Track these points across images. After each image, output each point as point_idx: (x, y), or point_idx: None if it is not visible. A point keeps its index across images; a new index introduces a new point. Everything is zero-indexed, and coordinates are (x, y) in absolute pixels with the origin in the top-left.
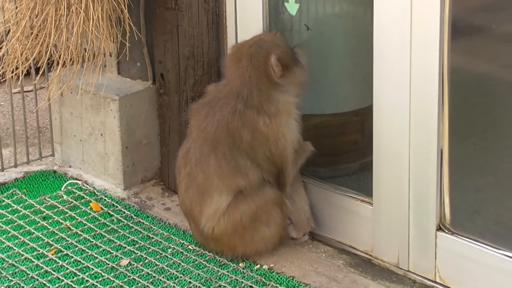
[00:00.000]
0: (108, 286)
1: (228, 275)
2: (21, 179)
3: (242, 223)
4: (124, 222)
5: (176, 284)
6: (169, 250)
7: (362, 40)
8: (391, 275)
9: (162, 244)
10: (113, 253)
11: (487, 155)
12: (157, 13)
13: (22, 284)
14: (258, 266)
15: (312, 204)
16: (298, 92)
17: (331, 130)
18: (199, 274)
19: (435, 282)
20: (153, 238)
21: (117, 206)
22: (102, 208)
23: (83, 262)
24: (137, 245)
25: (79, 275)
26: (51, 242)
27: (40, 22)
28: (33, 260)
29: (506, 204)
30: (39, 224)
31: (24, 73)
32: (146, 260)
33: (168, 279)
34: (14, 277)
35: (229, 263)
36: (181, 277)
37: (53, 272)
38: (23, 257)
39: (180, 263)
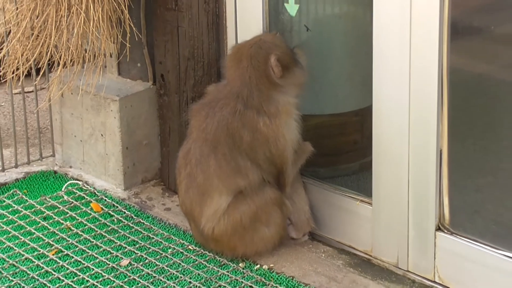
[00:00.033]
0: (108, 286)
1: (228, 275)
2: (22, 179)
3: (242, 223)
4: (124, 222)
5: (176, 284)
6: (169, 250)
7: (361, 40)
8: (391, 275)
9: (162, 244)
10: (113, 253)
11: (486, 155)
12: (157, 13)
13: (23, 284)
14: (258, 266)
15: (312, 204)
16: (298, 92)
17: (330, 130)
18: (199, 274)
19: (434, 282)
20: (153, 238)
21: (117, 207)
22: (102, 209)
23: (83, 262)
24: (137, 245)
25: (80, 275)
26: (51, 242)
27: (40, 23)
28: (33, 260)
29: (506, 204)
30: (39, 225)
31: (24, 74)
32: (146, 260)
33: (168, 279)
34: (14, 277)
35: (229, 263)
36: (181, 277)
37: (53, 272)
38: (23, 257)
39: (180, 263)
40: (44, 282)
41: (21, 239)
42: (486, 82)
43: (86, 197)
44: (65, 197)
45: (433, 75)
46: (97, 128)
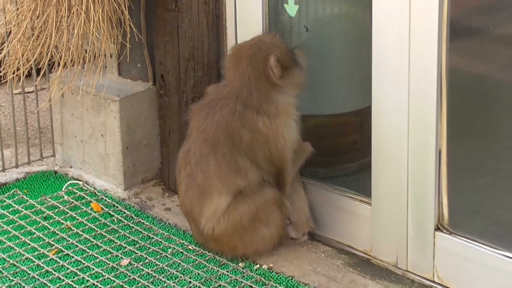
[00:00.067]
0: (108, 285)
1: (227, 275)
2: (22, 179)
3: (242, 223)
4: (124, 222)
5: (176, 283)
6: (169, 250)
7: (361, 41)
8: (390, 275)
9: (162, 244)
10: (113, 253)
11: (485, 155)
12: (157, 14)
13: (23, 284)
14: (258, 266)
15: (312, 204)
16: (297, 93)
17: (330, 130)
18: (199, 274)
19: (434, 281)
20: (153, 238)
21: (117, 207)
22: (102, 208)
23: (83, 262)
24: (137, 245)
25: (80, 275)
26: (52, 242)
27: (41, 23)
28: (34, 260)
29: (504, 204)
30: (40, 224)
31: (25, 74)
32: (146, 260)
33: (168, 279)
34: (15, 277)
35: (229, 263)
36: (181, 276)
37: (53, 272)
38: (24, 257)
39: (180, 263)
40: (45, 281)
41: (21, 239)
42: (485, 82)
43: (86, 197)
44: (66, 197)
45: (432, 75)
46: (97, 128)
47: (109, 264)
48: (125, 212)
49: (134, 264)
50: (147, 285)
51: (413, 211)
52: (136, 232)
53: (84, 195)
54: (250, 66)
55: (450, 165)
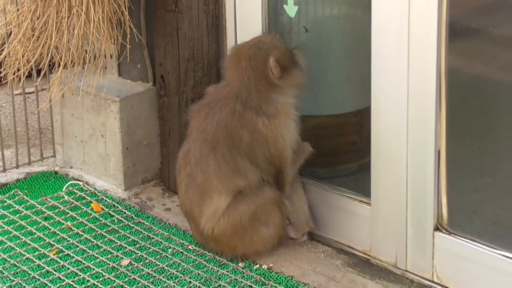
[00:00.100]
0: (109, 285)
1: (227, 275)
2: (23, 180)
3: (242, 223)
4: (124, 222)
5: (176, 283)
6: (169, 250)
7: (360, 41)
8: (389, 275)
9: (162, 244)
10: (113, 253)
11: (484, 155)
12: (157, 15)
13: (24, 284)
14: (258, 266)
15: (311, 205)
16: (296, 93)
17: (329, 131)
18: (199, 274)
19: (433, 281)
20: (153, 238)
21: (117, 207)
22: (103, 209)
23: (84, 262)
24: (137, 245)
25: (80, 275)
26: (52, 242)
27: (41, 24)
28: (34, 260)
29: (503, 204)
30: (40, 225)
31: (25, 75)
32: (147, 260)
33: (168, 279)
34: (15, 277)
35: (229, 263)
36: (181, 276)
37: (54, 272)
38: (24, 257)
39: (180, 263)
40: (45, 282)
41: (22, 239)
42: (484, 83)
43: (86, 197)
44: (66, 197)
45: (431, 76)
46: (98, 129)
47: (109, 264)
48: (125, 213)
49: (134, 264)
50: (147, 285)
51: (413, 211)
52: (136, 232)
53: (84, 195)
54: (250, 66)
55: (449, 165)
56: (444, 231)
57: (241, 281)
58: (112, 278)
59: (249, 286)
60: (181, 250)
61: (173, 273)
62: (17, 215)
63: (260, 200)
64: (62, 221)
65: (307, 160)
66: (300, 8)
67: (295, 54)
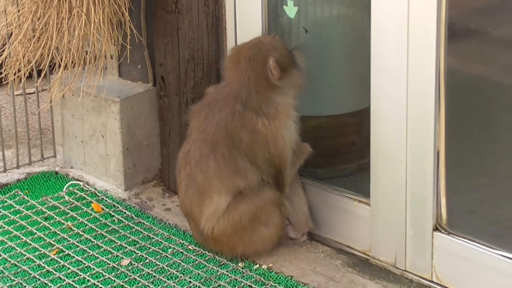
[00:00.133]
0: (109, 285)
1: (227, 275)
2: (23, 180)
3: (242, 223)
4: (125, 222)
5: (176, 283)
6: (169, 250)
7: (360, 42)
8: (389, 275)
9: (163, 244)
10: (114, 253)
11: (483, 156)
12: (157, 16)
13: (24, 284)
14: (257, 265)
15: (311, 205)
16: (296, 94)
17: (329, 131)
18: (199, 274)
19: (432, 281)
20: (153, 238)
21: (118, 207)
22: (103, 209)
23: (84, 262)
24: (137, 245)
25: (81, 275)
26: (52, 242)
27: (42, 25)
28: (35, 260)
29: (502, 204)
30: (41, 225)
31: (26, 76)
32: (147, 260)
33: (168, 279)
34: (16, 277)
35: (229, 263)
36: (181, 276)
37: (54, 272)
38: (25, 257)
39: (180, 263)
40: (45, 281)
41: (22, 239)
42: (483, 83)
43: (87, 197)
44: (66, 197)
45: (430, 76)
46: (98, 129)
47: (109, 264)
48: (125, 213)
49: (134, 264)
50: (148, 285)
51: (412, 211)
52: (136, 232)
53: (84, 195)
54: (250, 67)
55: (448, 166)
56: (443, 231)
57: (241, 281)
58: (112, 278)
59: (249, 286)
60: (181, 250)
61: (173, 273)
62: (18, 215)
63: (260, 201)
64: (63, 221)
65: (307, 161)
66: (299, 9)
67: (294, 55)
